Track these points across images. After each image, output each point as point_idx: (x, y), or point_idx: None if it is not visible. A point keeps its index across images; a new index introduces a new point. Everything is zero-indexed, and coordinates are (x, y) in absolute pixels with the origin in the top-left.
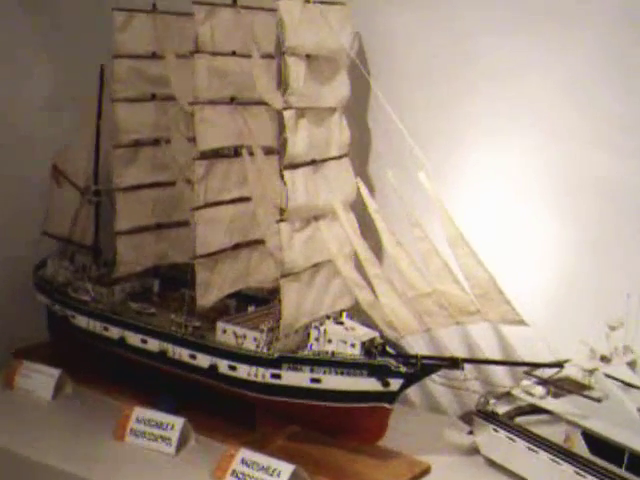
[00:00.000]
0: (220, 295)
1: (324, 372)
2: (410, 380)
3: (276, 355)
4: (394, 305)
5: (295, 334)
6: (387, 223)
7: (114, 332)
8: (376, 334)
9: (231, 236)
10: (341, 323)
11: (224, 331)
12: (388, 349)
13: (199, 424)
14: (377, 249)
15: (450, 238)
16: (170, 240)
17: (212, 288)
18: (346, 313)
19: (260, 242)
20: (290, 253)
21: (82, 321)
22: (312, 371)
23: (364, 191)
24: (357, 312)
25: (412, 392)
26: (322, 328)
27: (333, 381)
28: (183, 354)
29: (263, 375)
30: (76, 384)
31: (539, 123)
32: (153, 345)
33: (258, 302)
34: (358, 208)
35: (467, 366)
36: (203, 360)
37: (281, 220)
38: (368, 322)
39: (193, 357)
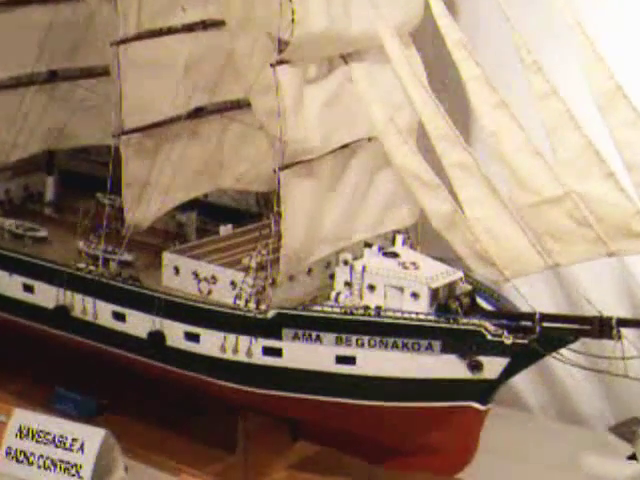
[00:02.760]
0: (168, 205)
1: (361, 344)
2: (522, 359)
3: (272, 313)
4: (493, 221)
5: (308, 275)
6: (482, 67)
7: None
8: (459, 275)
9: (188, 94)
10: (394, 255)
11: (176, 270)
12: (480, 303)
13: (133, 440)
14: (461, 116)
15: (600, 95)
16: (73, 103)
17: (153, 191)
18: (402, 237)
19: (241, 106)
20: (298, 123)
21: None
22: (339, 342)
23: (438, 5)
24: (425, 235)
25: (528, 386)
26: (358, 265)
27: (378, 360)
28: (101, 312)
29: (249, 350)
30: None
31: None
32: (45, 295)
33: (239, 218)
34: (426, 42)
35: (627, 333)
36: (138, 323)
37: (281, 62)
38: (444, 254)
39: (120, 317)
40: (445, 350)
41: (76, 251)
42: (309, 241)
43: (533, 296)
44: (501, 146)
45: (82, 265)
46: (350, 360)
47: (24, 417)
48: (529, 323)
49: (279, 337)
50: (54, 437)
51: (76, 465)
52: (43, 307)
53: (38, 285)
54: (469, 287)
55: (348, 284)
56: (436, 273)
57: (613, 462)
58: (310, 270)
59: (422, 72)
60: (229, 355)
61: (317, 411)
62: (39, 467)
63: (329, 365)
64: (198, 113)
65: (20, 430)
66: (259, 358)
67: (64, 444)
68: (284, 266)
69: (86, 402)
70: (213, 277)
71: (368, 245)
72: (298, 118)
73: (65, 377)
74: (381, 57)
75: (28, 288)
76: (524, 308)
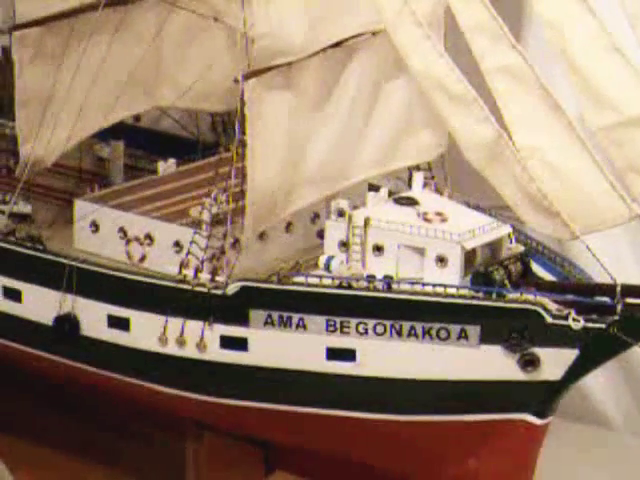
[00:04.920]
0: (82, 132)
1: (363, 331)
2: (597, 351)
3: (234, 288)
4: (555, 151)
5: (286, 232)
6: None
7: None
8: (505, 231)
9: None
10: (410, 202)
11: (94, 226)
12: (536, 270)
13: (34, 472)
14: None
15: None
16: None
17: (60, 112)
18: (422, 176)
19: None
20: (270, 9)
21: None
22: (332, 329)
23: None
24: (456, 173)
25: (607, 391)
26: (359, 216)
27: (387, 355)
28: None
29: (201, 341)
30: None
31: None
32: None
33: (185, 150)
34: None
35: None
36: (40, 304)
37: None
38: (482, 200)
39: (13, 296)
40: (486, 339)
41: None
42: (287, 182)
43: (613, 260)
44: (565, 41)
45: None
46: (348, 355)
47: None
48: (607, 299)
49: (244, 322)
50: None
51: None
52: None
53: None
54: (520, 248)
55: (344, 244)
56: (472, 228)
57: None
58: (289, 225)
59: None
60: (172, 349)
61: (301, 429)
62: None
63: (317, 362)
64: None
65: None
66: (216, 353)
67: None
68: (251, 219)
69: None
70: (148, 236)
71: (373, 188)
72: (271, 3)
73: None
74: None
75: None
76: (600, 278)
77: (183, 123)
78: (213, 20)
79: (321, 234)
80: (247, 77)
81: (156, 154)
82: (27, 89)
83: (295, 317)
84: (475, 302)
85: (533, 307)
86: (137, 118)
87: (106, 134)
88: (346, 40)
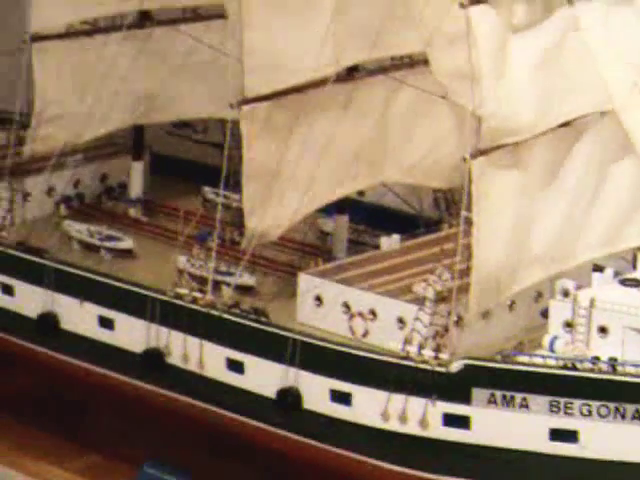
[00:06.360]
0: (308, 206)
1: (587, 413)
2: None
3: (457, 366)
4: None
5: (509, 311)
6: None
7: (30, 300)
8: None
9: (338, 46)
10: (636, 284)
11: (318, 300)
12: None
13: None
14: None
15: None
16: (172, 59)
17: (286, 186)
18: None
19: (415, 63)
20: (500, 89)
21: None
22: (555, 409)
23: None
24: None
25: None
26: (584, 297)
27: (612, 437)
28: (211, 360)
29: (424, 418)
30: None
31: None
32: (130, 334)
33: (409, 226)
34: None
35: None
36: (264, 377)
37: (476, 0)
38: None
39: (237, 368)
40: None
41: (175, 270)
42: (512, 261)
43: None
44: None
45: (183, 291)
46: (571, 436)
47: None
48: None
49: (467, 400)
50: None
51: None
52: (127, 351)
53: (120, 319)
54: None
55: (569, 325)
56: None
57: None
58: (513, 303)
59: None
60: (394, 425)
61: None
62: None
63: (540, 443)
64: (353, 74)
65: None
66: (438, 431)
67: None
68: (476, 297)
69: None
70: (372, 311)
71: (598, 269)
72: (500, 82)
73: (156, 449)
74: None
75: (106, 323)
76: None
77: (406, 199)
78: (440, 98)
79: (545, 313)
80: (474, 156)
81: (379, 229)
82: (255, 163)
83: (518, 397)
84: None
85: None
86: (361, 193)
87: (330, 208)
88: (574, 120)
